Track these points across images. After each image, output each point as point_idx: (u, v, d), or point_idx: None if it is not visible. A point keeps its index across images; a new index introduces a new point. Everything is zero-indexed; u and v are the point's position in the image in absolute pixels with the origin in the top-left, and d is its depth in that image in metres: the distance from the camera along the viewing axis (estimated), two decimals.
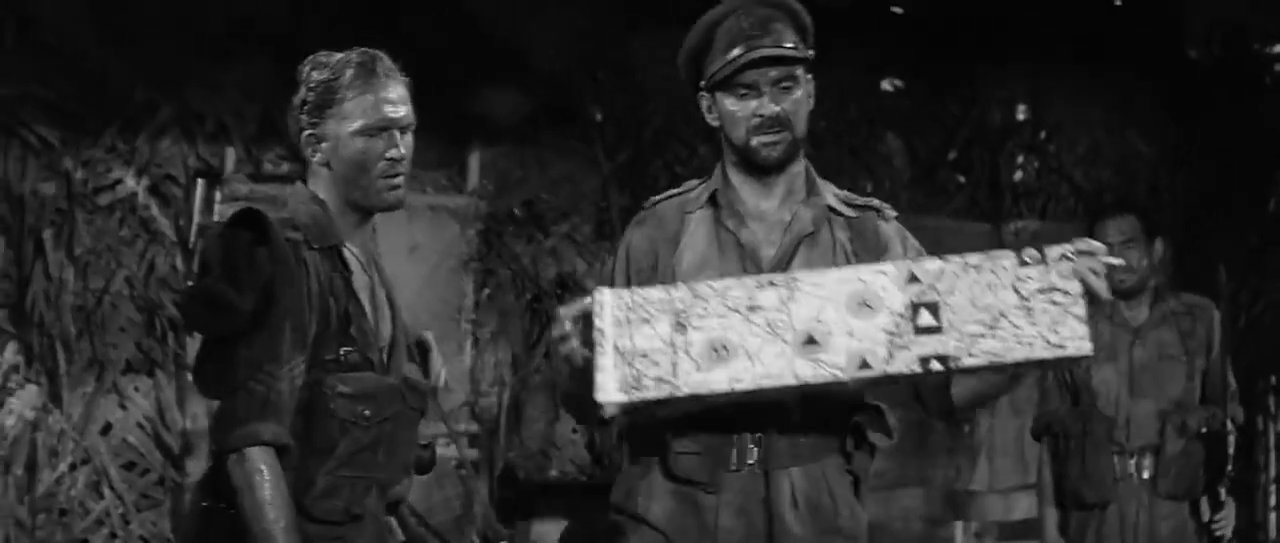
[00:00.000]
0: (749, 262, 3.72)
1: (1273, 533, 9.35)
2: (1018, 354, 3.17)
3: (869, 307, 3.24)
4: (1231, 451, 6.31)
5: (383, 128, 3.70)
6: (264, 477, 3.58)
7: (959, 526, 8.86)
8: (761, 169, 3.72)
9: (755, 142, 3.65)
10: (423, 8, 7.42)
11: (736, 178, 3.75)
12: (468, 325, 7.96)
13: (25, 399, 6.89)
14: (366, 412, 3.68)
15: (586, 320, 3.38)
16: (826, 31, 7.71)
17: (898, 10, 8.30)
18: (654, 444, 3.75)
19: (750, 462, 3.66)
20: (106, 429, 7.03)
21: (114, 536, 6.98)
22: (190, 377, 6.62)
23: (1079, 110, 9.08)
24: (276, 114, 5.50)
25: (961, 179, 8.94)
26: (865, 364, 3.20)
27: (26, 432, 6.88)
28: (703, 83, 3.71)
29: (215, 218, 7.10)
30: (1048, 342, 3.16)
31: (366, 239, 3.91)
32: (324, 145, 3.74)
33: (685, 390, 3.32)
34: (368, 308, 3.77)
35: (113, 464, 7.03)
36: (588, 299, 3.36)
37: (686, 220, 3.82)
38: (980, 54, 8.64)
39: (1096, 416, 6.21)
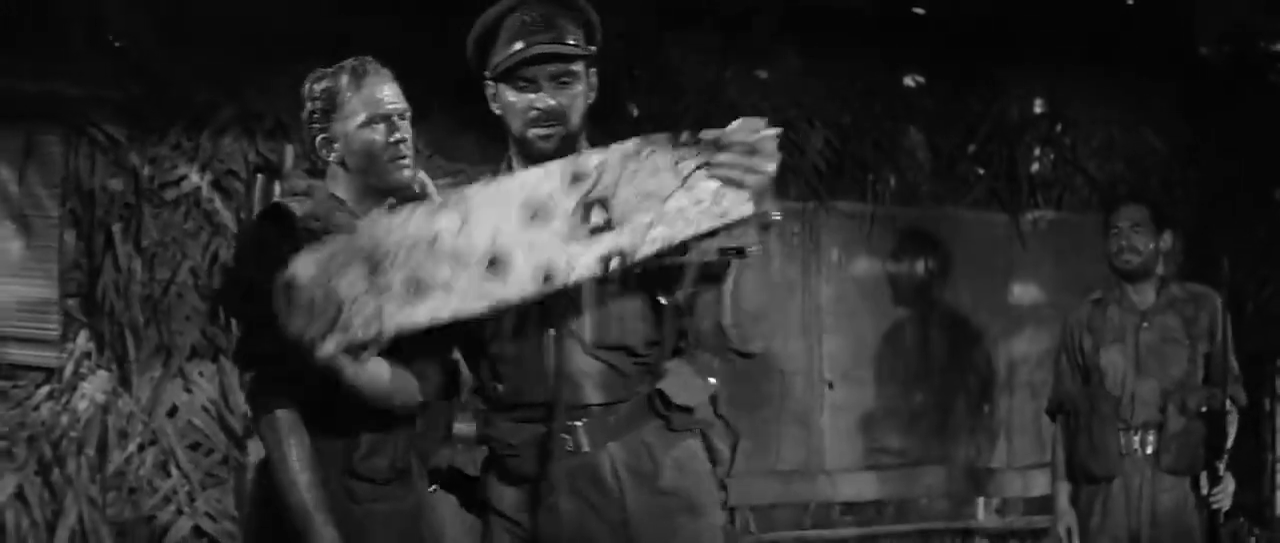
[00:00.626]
0: None
1: (1279, 510, 9.35)
2: (686, 231, 3.32)
3: (541, 215, 3.37)
4: (1231, 430, 6.49)
5: (384, 117, 4.19)
6: (290, 436, 3.99)
7: (981, 501, 8.96)
8: (537, 159, 3.78)
9: (531, 134, 3.76)
10: (470, 11, 7.33)
11: (519, 167, 3.86)
12: None
13: (96, 384, 6.95)
14: None
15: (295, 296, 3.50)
16: (853, 31, 7.58)
17: (920, 11, 8.29)
18: (492, 454, 3.96)
19: (570, 449, 3.82)
20: (173, 412, 7.09)
21: (180, 512, 7.05)
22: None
23: (1094, 106, 9.19)
24: None
25: (981, 171, 8.98)
26: (549, 276, 3.34)
27: (98, 415, 6.94)
28: (487, 72, 3.84)
29: None
30: (712, 214, 3.31)
31: None
32: (336, 145, 4.22)
33: (391, 329, 3.44)
34: None
35: (179, 445, 7.09)
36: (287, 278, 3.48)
37: None
38: (999, 53, 8.71)
39: (1103, 394, 6.48)
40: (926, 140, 8.81)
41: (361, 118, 4.21)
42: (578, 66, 3.77)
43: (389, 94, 4.29)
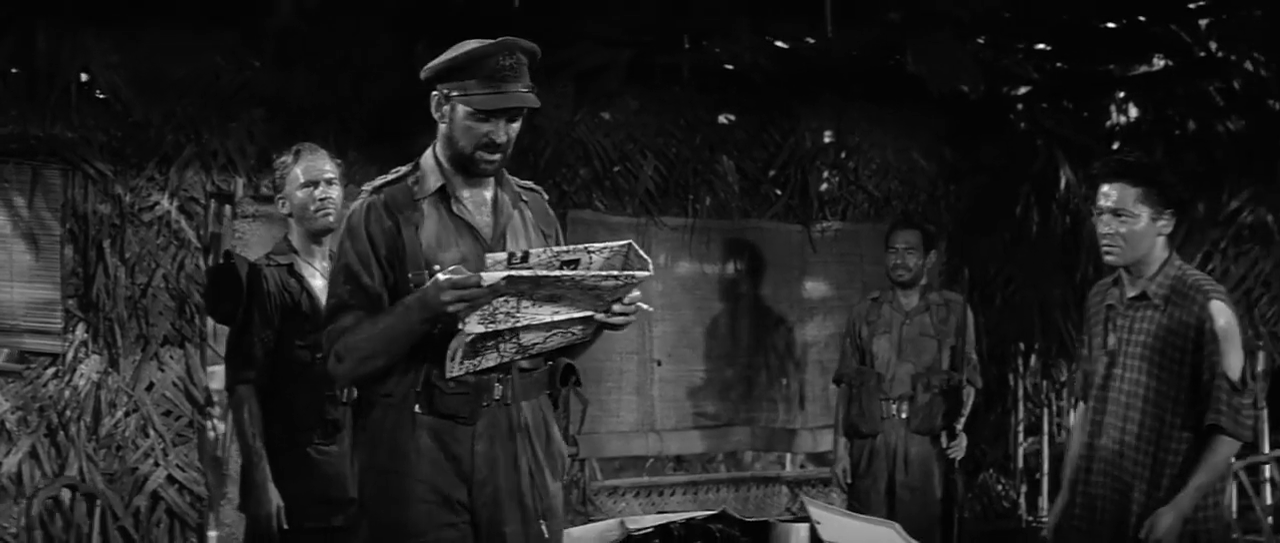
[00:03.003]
0: (475, 236, 4.20)
1: (1020, 464, 10.06)
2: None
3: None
4: (968, 402, 7.45)
5: (313, 182, 5.54)
6: (247, 404, 5.43)
7: (789, 456, 9.75)
8: (476, 175, 4.20)
9: (478, 155, 4.13)
10: (379, 73, 8.07)
11: (451, 170, 4.20)
12: None
13: (91, 366, 7.49)
14: (320, 356, 4.83)
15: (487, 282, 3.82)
16: (678, 81, 8.68)
17: (730, 67, 8.97)
18: (409, 388, 4.12)
19: (497, 397, 4.16)
20: (150, 387, 7.64)
21: (157, 464, 7.61)
22: (217, 349, 7.31)
23: (872, 135, 9.91)
24: (271, 151, 6.78)
25: (779, 191, 9.67)
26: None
27: (92, 390, 7.50)
28: (445, 87, 4.14)
29: (226, 228, 7.74)
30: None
31: (324, 255, 5.56)
32: (286, 202, 5.59)
33: (523, 322, 3.97)
34: (322, 297, 5.31)
35: (155, 412, 7.64)
36: (499, 260, 3.83)
37: (419, 204, 4.18)
38: (796, 94, 9.49)
39: (872, 372, 7.62)
40: (736, 166, 9.50)
41: (300, 182, 5.57)
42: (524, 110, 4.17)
43: (319, 165, 5.62)
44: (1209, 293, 5.26)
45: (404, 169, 4.27)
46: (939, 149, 10.27)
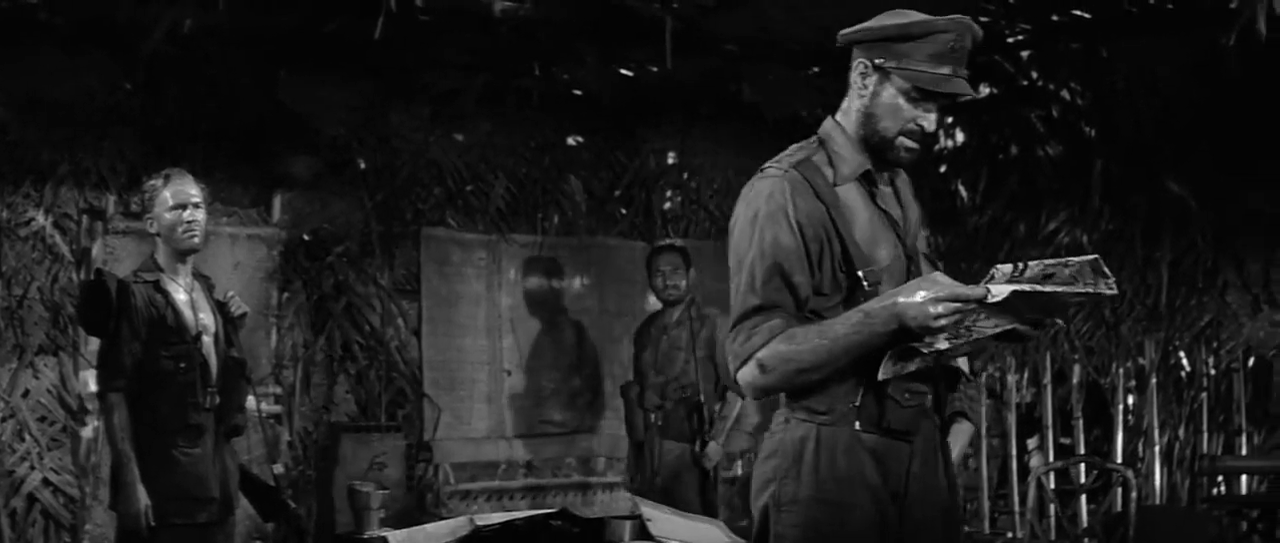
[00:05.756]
0: (898, 233, 3.81)
1: None
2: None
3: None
4: (728, 412, 8.32)
5: (181, 205, 6.03)
6: (117, 411, 5.95)
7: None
8: (887, 162, 3.76)
9: (900, 141, 3.69)
10: (245, 97, 8.59)
11: (869, 158, 3.75)
12: (273, 319, 8.90)
13: None
14: (183, 365, 6.01)
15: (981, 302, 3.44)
16: (529, 104, 9.44)
17: (578, 92, 9.49)
18: (847, 403, 3.67)
19: (928, 407, 3.79)
20: (26, 393, 8.03)
21: (32, 468, 8.02)
22: (89, 358, 7.55)
23: (715, 156, 10.38)
24: (141, 170, 7.31)
25: (624, 209, 10.21)
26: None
27: None
28: (881, 57, 3.66)
29: (98, 243, 8.15)
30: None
31: (188, 272, 6.15)
32: (154, 222, 6.09)
33: (974, 335, 3.58)
34: (186, 311, 6.11)
35: (31, 418, 8.03)
36: (1005, 272, 3.48)
37: (837, 192, 3.72)
38: (641, 118, 10.03)
39: (633, 385, 8.59)
40: (583, 186, 9.99)
41: (169, 204, 6.09)
42: None
43: (186, 189, 6.12)
44: None
45: (804, 148, 3.87)
46: None
